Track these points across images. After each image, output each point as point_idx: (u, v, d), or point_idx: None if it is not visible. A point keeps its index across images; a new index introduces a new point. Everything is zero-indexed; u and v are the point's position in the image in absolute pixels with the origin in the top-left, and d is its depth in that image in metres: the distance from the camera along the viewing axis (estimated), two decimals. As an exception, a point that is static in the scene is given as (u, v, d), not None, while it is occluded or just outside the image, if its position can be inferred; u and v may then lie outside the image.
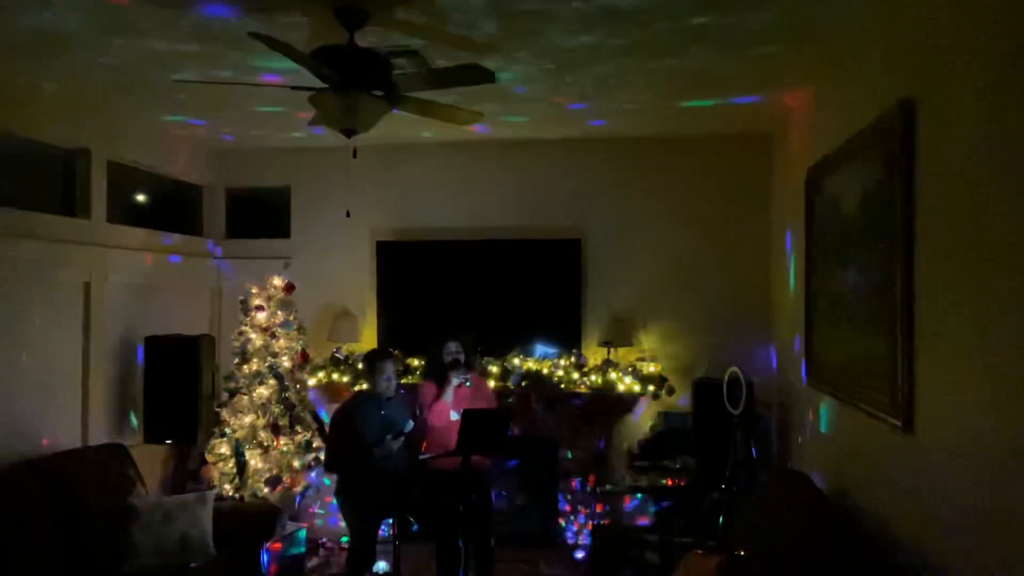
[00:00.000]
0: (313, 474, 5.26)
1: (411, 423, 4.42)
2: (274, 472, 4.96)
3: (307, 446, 5.13)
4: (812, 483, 3.52)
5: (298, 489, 5.13)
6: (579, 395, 5.45)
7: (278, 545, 4.86)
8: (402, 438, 4.36)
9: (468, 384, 4.58)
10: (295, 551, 5.04)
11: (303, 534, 5.19)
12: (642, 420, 5.56)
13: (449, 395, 4.54)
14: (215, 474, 4.93)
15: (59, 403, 4.44)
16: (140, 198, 5.69)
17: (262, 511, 4.68)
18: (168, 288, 5.51)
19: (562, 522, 5.62)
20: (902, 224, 2.70)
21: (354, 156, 3.75)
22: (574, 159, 5.74)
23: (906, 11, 2.85)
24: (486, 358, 5.47)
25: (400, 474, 4.45)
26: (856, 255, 3.29)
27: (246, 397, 5.00)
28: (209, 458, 4.97)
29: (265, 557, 4.63)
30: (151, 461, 5.06)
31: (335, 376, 5.64)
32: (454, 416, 4.45)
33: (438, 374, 4.66)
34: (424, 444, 4.61)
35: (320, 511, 5.73)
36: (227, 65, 3.84)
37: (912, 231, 2.66)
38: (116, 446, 4.49)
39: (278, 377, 5.07)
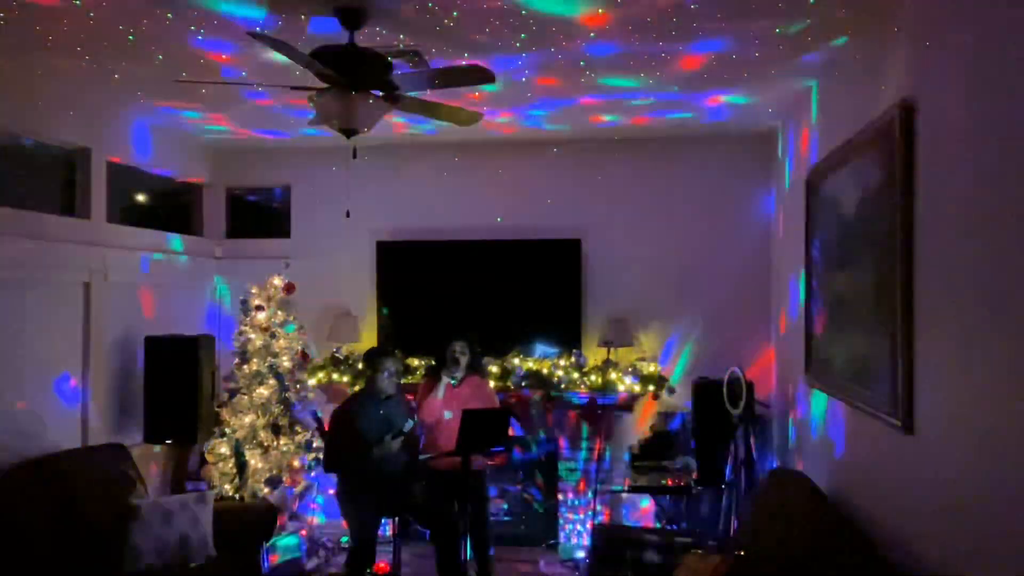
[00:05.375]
0: (313, 474, 5.26)
1: (411, 422, 4.42)
2: (274, 472, 4.96)
3: (307, 446, 5.13)
4: (812, 483, 3.52)
5: (298, 489, 5.13)
6: (579, 395, 5.45)
7: (275, 558, 4.87)
8: (401, 438, 4.36)
9: (454, 384, 4.59)
10: (295, 551, 5.04)
11: (303, 534, 5.19)
12: (642, 420, 5.57)
13: (439, 393, 4.55)
14: (215, 474, 4.93)
15: (59, 403, 4.44)
16: (140, 198, 5.69)
17: (262, 511, 4.68)
18: (168, 288, 5.52)
19: (562, 522, 5.62)
20: (902, 224, 2.70)
21: (354, 156, 3.75)
22: (574, 159, 5.74)
23: (906, 10, 2.86)
24: (486, 358, 5.47)
25: (400, 474, 4.45)
26: (856, 255, 3.29)
27: (246, 397, 5.00)
28: (209, 458, 4.97)
29: (265, 557, 4.64)
30: (151, 461, 5.06)
31: (335, 376, 5.65)
32: (447, 415, 4.46)
33: (439, 373, 4.68)
34: (423, 444, 4.63)
35: (319, 512, 5.73)
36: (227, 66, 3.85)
37: (912, 231, 2.66)
38: (116, 446, 4.49)
39: (278, 377, 5.07)
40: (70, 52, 3.65)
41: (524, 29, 3.33)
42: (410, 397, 4.87)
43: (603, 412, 5.47)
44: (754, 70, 3.92)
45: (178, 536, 4.00)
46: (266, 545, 4.64)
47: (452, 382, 4.60)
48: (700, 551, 3.42)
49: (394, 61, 3.26)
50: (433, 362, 4.92)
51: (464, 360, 4.67)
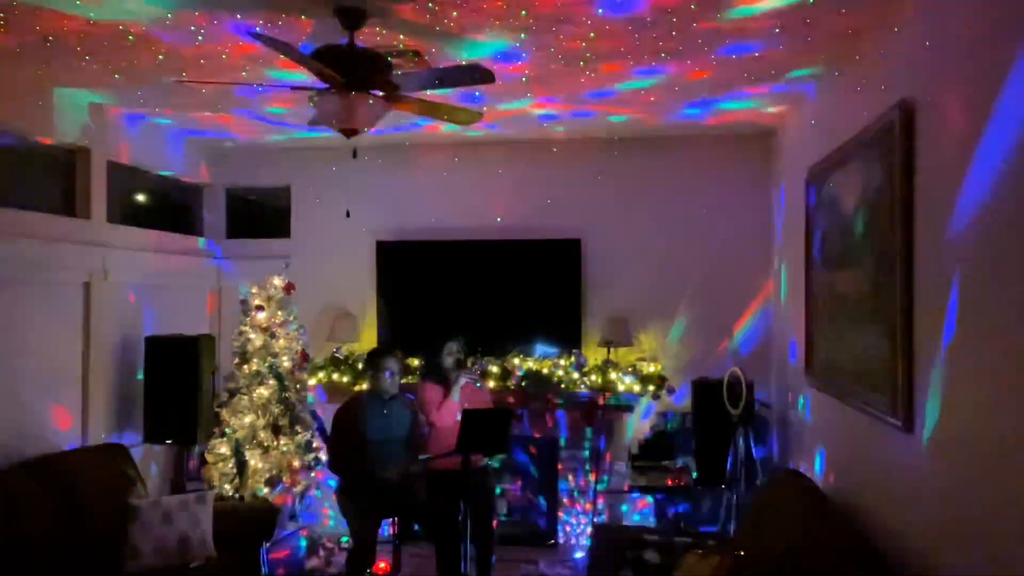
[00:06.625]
0: (313, 474, 5.25)
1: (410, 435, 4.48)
2: (274, 472, 4.96)
3: (307, 446, 5.13)
4: (812, 483, 3.53)
5: (298, 489, 5.13)
6: (579, 395, 5.45)
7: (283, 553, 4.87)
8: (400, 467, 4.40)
9: (479, 384, 4.61)
10: (295, 551, 5.04)
11: (303, 534, 5.19)
12: (642, 420, 5.57)
13: (456, 394, 4.55)
14: (215, 474, 4.92)
15: (59, 403, 4.44)
16: (140, 198, 5.69)
17: (262, 511, 4.68)
18: (168, 288, 5.51)
19: (562, 522, 5.62)
20: (902, 224, 2.70)
21: (354, 156, 3.75)
22: (574, 159, 5.74)
23: (907, 11, 2.86)
24: (486, 358, 5.47)
25: (401, 475, 4.45)
26: (856, 255, 3.29)
27: (246, 397, 5.00)
28: (209, 458, 4.97)
29: (265, 557, 4.63)
30: (151, 461, 5.06)
31: (335, 376, 5.64)
32: (460, 416, 4.46)
33: (439, 374, 4.67)
34: (426, 445, 4.62)
35: (320, 510, 5.73)
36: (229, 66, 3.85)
37: (912, 231, 2.67)
38: (116, 446, 4.49)
39: (278, 377, 5.07)
40: (70, 52, 3.65)
41: (524, 29, 3.33)
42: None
43: (603, 412, 5.46)
44: (755, 70, 3.92)
45: (178, 536, 4.00)
46: (266, 545, 4.64)
47: (478, 384, 4.62)
48: (700, 551, 3.41)
49: (394, 61, 3.26)
50: (418, 363, 4.89)
51: (461, 359, 4.70)
